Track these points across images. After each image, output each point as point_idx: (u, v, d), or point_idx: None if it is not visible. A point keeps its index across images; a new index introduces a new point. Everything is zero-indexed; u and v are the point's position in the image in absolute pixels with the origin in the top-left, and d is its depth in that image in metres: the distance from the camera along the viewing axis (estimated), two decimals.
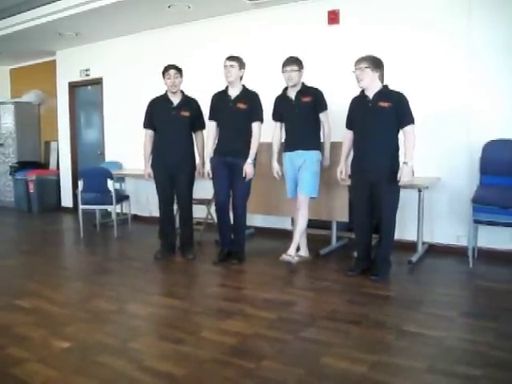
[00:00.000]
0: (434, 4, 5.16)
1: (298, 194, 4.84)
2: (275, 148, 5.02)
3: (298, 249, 4.95)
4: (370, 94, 4.28)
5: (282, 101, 4.91)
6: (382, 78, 4.30)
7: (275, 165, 5.02)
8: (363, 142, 4.35)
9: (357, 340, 3.12)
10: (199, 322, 3.50)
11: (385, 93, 4.26)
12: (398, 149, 4.30)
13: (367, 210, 4.41)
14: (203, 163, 5.22)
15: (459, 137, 5.11)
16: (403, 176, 4.14)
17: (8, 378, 2.65)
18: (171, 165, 5.08)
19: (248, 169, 4.80)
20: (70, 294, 4.29)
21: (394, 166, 4.26)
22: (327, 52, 5.69)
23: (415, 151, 4.19)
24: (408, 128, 4.19)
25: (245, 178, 4.82)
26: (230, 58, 4.81)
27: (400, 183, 4.18)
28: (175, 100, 5.09)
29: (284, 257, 4.80)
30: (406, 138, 4.20)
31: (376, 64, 4.25)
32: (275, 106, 4.97)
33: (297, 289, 4.21)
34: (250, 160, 4.81)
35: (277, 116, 4.97)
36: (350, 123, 4.51)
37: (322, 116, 4.79)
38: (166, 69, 5.04)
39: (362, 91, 4.36)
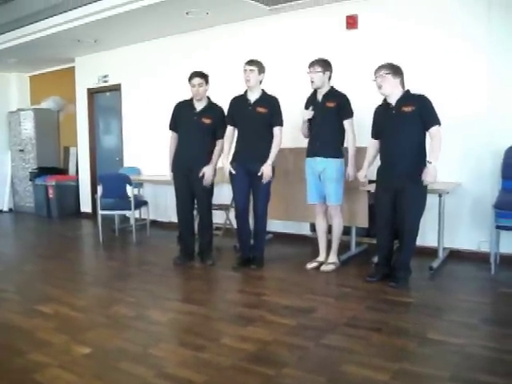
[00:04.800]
0: (454, 8, 5.11)
1: (327, 204, 4.84)
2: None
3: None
4: (393, 100, 4.24)
5: (310, 102, 4.86)
6: (402, 85, 4.26)
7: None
8: (390, 149, 4.30)
9: (378, 347, 3.09)
10: (219, 329, 3.49)
11: (407, 97, 4.22)
12: (425, 154, 4.23)
13: (390, 216, 4.36)
14: (214, 169, 5.16)
15: (481, 141, 5.05)
16: (427, 175, 4.08)
17: (29, 383, 2.66)
18: (189, 170, 5.06)
19: (266, 170, 4.76)
20: (90, 299, 4.30)
21: (422, 172, 4.23)
22: (346, 56, 5.66)
23: (440, 153, 4.15)
24: (433, 129, 4.13)
25: (266, 182, 4.79)
26: (250, 63, 4.79)
27: (424, 183, 4.14)
28: (199, 106, 5.07)
29: (324, 268, 4.86)
30: (433, 139, 4.13)
31: (396, 70, 4.22)
32: (305, 105, 4.91)
33: (316, 295, 4.17)
34: (269, 161, 4.78)
35: None
36: (376, 133, 4.48)
37: (346, 123, 4.69)
38: (191, 77, 5.00)
39: (385, 99, 4.33)
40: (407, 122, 4.17)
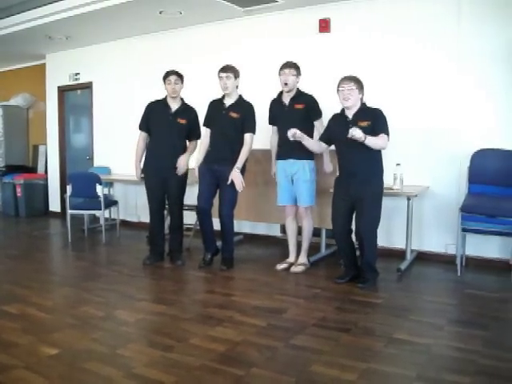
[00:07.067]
0: (424, 15, 5.19)
1: (298, 205, 4.85)
2: (274, 152, 5.01)
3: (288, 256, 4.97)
4: (350, 113, 4.30)
5: (275, 105, 4.90)
6: (361, 99, 4.33)
7: (273, 169, 5.05)
8: (348, 161, 4.35)
9: (346, 347, 3.13)
10: (188, 329, 3.47)
11: (363, 111, 4.28)
12: (380, 166, 4.33)
13: (347, 223, 4.44)
14: (187, 160, 5.15)
15: (448, 146, 5.14)
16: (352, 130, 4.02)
17: None
18: (164, 170, 5.04)
19: (234, 176, 4.73)
20: (58, 299, 4.25)
21: (377, 184, 4.33)
22: (318, 59, 5.72)
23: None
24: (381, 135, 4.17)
25: (232, 186, 4.76)
26: (225, 70, 4.78)
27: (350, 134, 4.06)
28: (174, 106, 5.07)
29: (294, 269, 4.88)
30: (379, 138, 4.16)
31: (361, 85, 4.28)
32: (270, 109, 4.96)
33: (286, 296, 4.19)
34: (236, 166, 4.74)
35: (272, 120, 4.97)
36: (327, 138, 4.52)
37: (316, 124, 4.77)
38: (167, 74, 5.01)
39: (343, 110, 4.36)
40: None
